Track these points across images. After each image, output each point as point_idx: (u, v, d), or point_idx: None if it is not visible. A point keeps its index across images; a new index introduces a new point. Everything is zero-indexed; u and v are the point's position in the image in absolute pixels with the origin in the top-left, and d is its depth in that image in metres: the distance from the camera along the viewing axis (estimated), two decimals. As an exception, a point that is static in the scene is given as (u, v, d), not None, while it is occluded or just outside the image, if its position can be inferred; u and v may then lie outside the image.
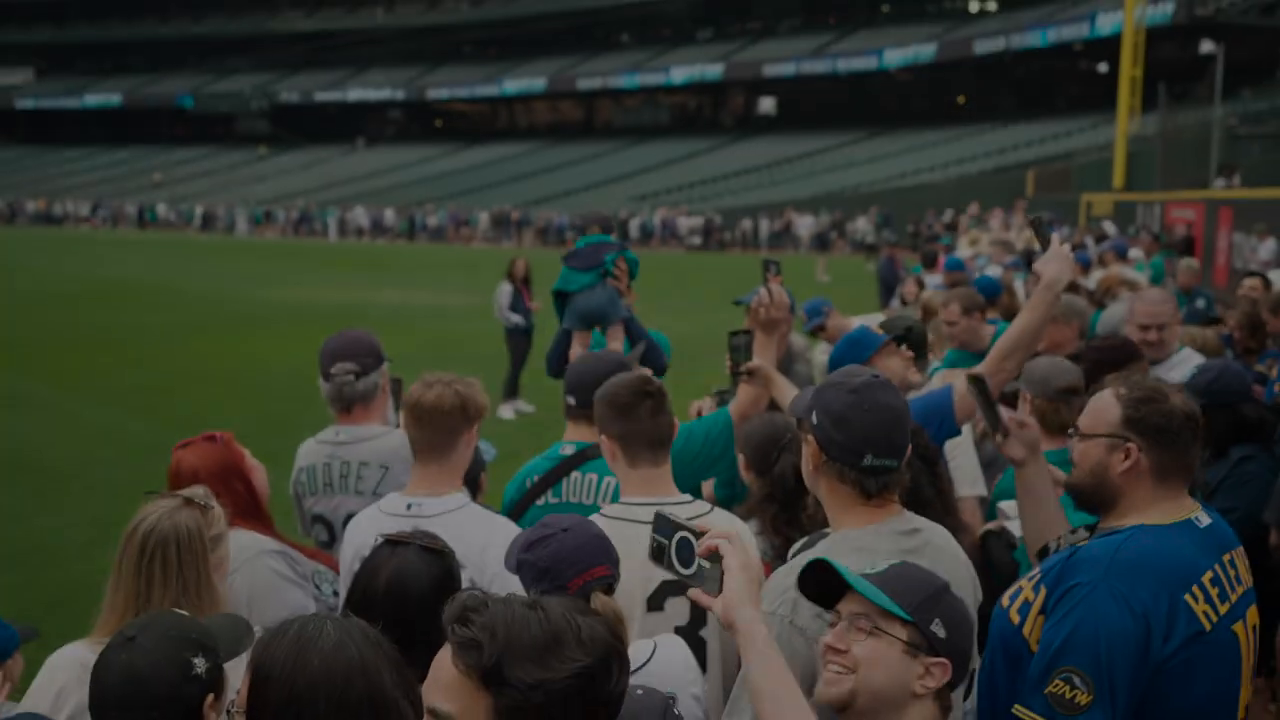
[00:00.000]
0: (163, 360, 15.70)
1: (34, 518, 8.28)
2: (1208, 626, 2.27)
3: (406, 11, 69.24)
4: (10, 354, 16.04)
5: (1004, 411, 3.03)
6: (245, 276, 29.81)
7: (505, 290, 12.45)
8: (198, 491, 2.73)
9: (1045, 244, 3.43)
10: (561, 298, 5.30)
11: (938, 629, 1.98)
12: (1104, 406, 2.48)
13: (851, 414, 2.37)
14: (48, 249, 39.93)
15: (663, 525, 1.77)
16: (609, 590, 2.40)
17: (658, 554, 1.76)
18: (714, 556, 1.83)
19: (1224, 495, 4.05)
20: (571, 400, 3.64)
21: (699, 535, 1.77)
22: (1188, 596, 2.27)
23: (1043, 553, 2.82)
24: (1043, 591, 2.34)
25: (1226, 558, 2.40)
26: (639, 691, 2.05)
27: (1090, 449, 2.48)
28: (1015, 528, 3.20)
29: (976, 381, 3.09)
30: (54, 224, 59.74)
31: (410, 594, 2.29)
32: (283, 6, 71.91)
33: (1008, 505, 3.41)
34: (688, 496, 3.01)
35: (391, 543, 2.42)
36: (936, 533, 2.53)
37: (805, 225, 43.26)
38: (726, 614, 1.82)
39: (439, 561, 2.39)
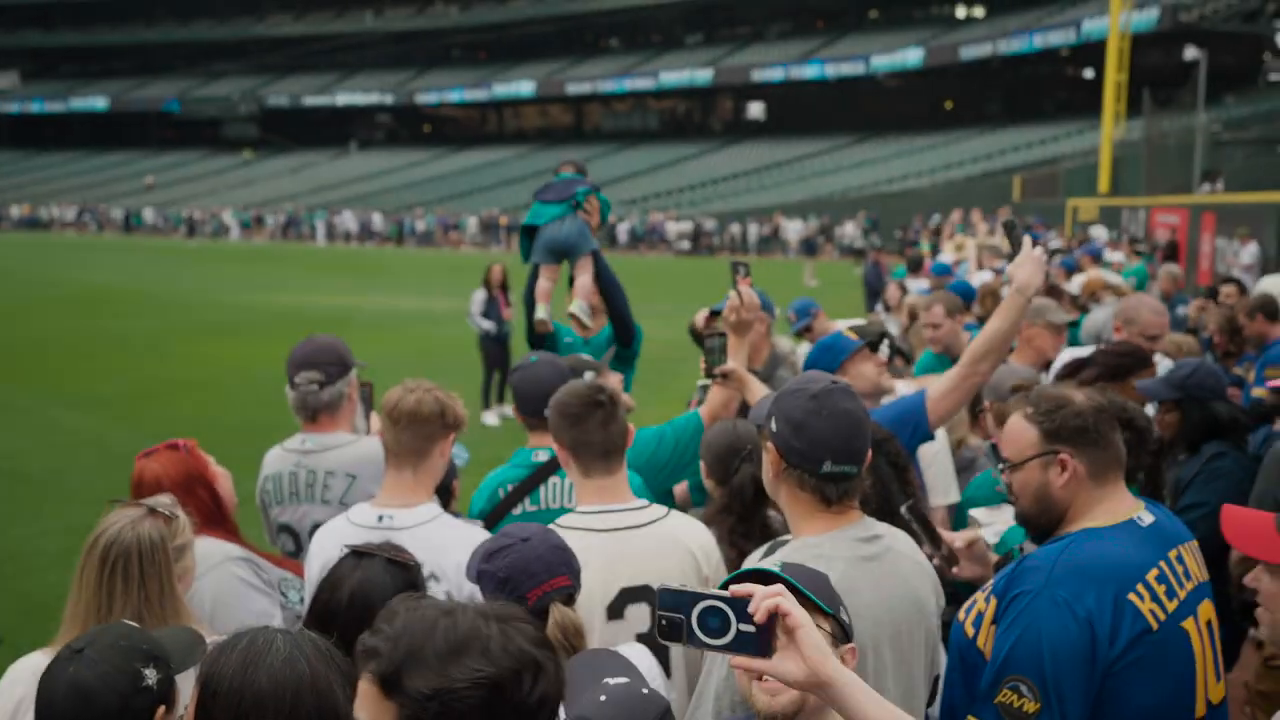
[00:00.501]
0: (145, 367, 15.63)
1: (9, 526, 8.21)
2: (1154, 625, 2.26)
3: (395, 15, 69.16)
4: (-8, 360, 15.97)
5: (946, 535, 3.04)
6: (231, 282, 29.70)
7: (478, 297, 12.38)
8: (163, 500, 2.70)
9: (1017, 248, 3.45)
10: (530, 233, 5.26)
11: (845, 615, 1.99)
12: (1020, 431, 2.47)
13: (810, 420, 2.37)
14: (31, 254, 39.75)
15: (672, 600, 1.54)
16: (569, 601, 2.39)
17: (672, 632, 1.54)
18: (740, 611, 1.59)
19: (1195, 490, 4.07)
20: (522, 413, 3.67)
21: (731, 600, 1.54)
22: (1132, 596, 2.26)
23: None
24: (993, 602, 2.34)
25: (1173, 554, 2.39)
26: (644, 691, 2.04)
27: (1026, 475, 2.47)
28: (988, 535, 3.19)
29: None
30: (39, 229, 59.48)
31: (374, 607, 2.24)
32: (271, 10, 71.77)
33: (979, 513, 3.40)
34: (643, 502, 2.99)
35: (356, 555, 2.40)
36: (898, 539, 2.53)
37: (793, 230, 43.33)
38: (817, 673, 1.55)
39: (404, 574, 2.37)
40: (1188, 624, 2.33)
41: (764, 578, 1.97)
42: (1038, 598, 2.24)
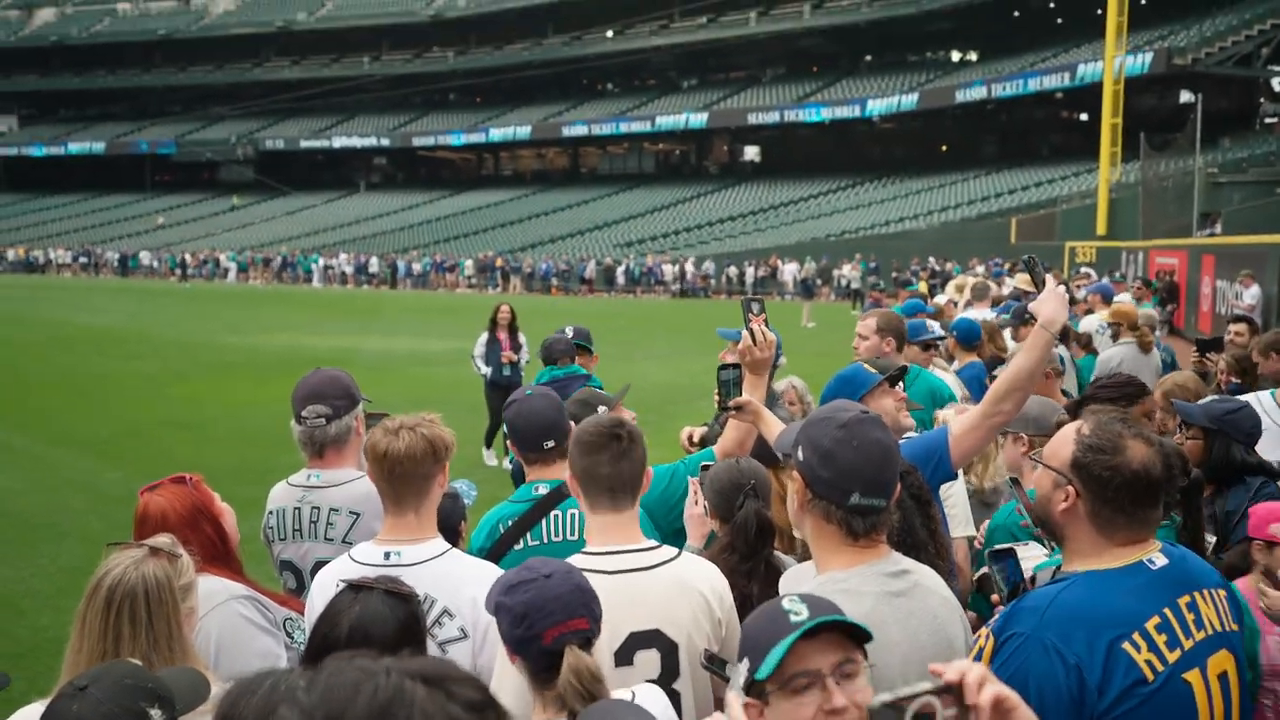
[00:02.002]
0: (140, 407, 15.51)
1: (1, 566, 8.06)
2: (1150, 676, 2.15)
3: (392, 60, 69.79)
4: (-15, 400, 15.85)
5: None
6: (226, 323, 29.66)
7: (481, 339, 11.84)
8: (164, 540, 2.62)
9: (1040, 284, 3.38)
10: None
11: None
12: (1063, 441, 2.38)
13: (839, 450, 2.29)
14: (27, 296, 39.73)
15: (885, 716, 1.38)
16: (586, 644, 2.28)
17: None
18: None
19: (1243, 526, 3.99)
20: (519, 448, 3.61)
21: (939, 692, 1.39)
22: (1127, 645, 2.15)
23: (979, 581, 2.74)
24: (991, 640, 2.25)
25: (1184, 600, 2.26)
26: None
27: (1041, 478, 2.40)
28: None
29: None
30: (35, 271, 59.54)
31: (374, 640, 2.18)
32: (269, 55, 72.41)
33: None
34: (653, 542, 2.88)
35: (354, 588, 2.33)
36: (926, 574, 2.46)
37: (790, 272, 43.47)
38: None
39: (404, 606, 2.30)
40: (1191, 676, 2.19)
41: (848, 628, 1.89)
42: (1029, 640, 2.16)
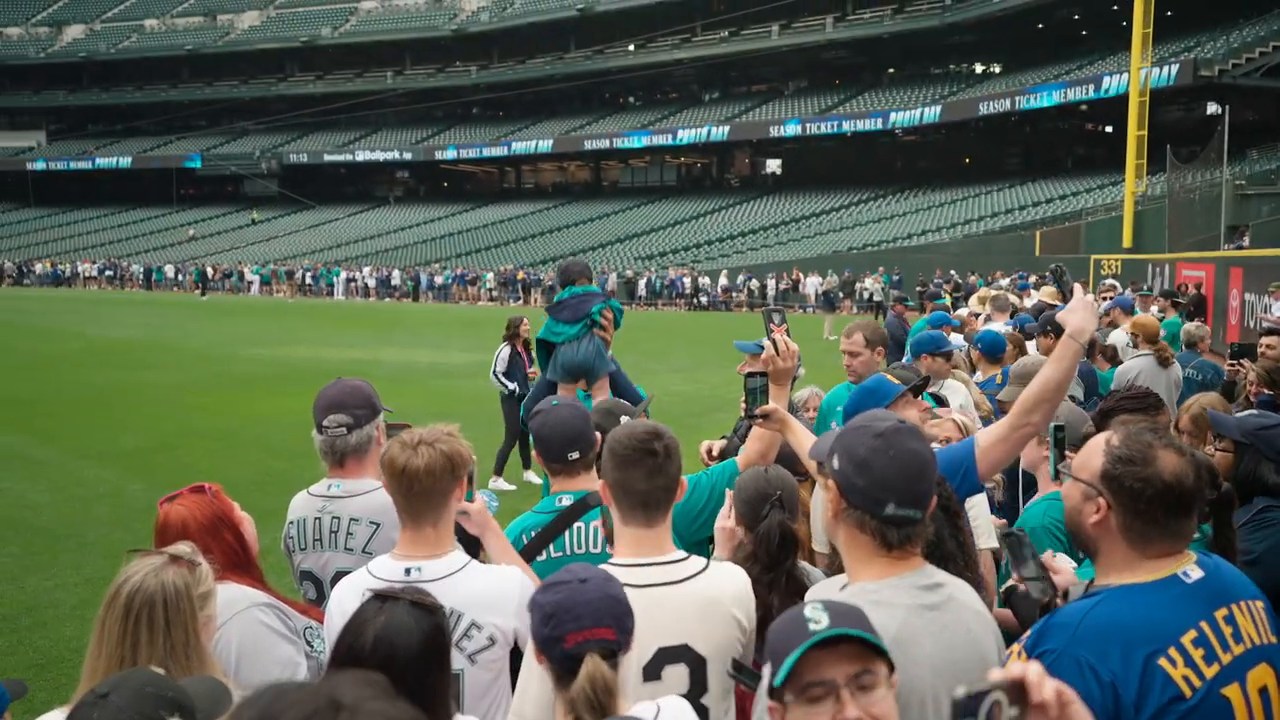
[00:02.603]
0: (163, 419, 15.59)
1: (25, 578, 8.09)
2: (1188, 692, 2.09)
3: (415, 74, 70.23)
4: (8, 412, 15.96)
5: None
6: (249, 336, 29.84)
7: (503, 354, 11.40)
8: (183, 549, 2.60)
9: (1068, 295, 3.33)
10: (546, 347, 5.22)
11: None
12: (1093, 452, 2.33)
13: (875, 459, 2.25)
14: (54, 309, 40.10)
15: (968, 705, 1.40)
16: (609, 655, 2.24)
17: None
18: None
19: (1241, 539, 3.92)
20: (544, 458, 3.59)
21: (1007, 688, 1.41)
22: (1163, 660, 2.09)
23: (1007, 593, 2.67)
24: (1024, 657, 2.20)
25: (1221, 613, 2.20)
26: None
27: (1071, 490, 2.35)
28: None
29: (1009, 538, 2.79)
30: (62, 284, 60.14)
31: (398, 651, 2.16)
32: (293, 70, 73.03)
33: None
34: (681, 554, 2.84)
35: (380, 598, 2.30)
36: (959, 588, 2.41)
37: (812, 285, 43.40)
38: None
39: (429, 618, 2.26)
40: (1230, 691, 2.13)
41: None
42: (1061, 657, 2.11)
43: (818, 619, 1.88)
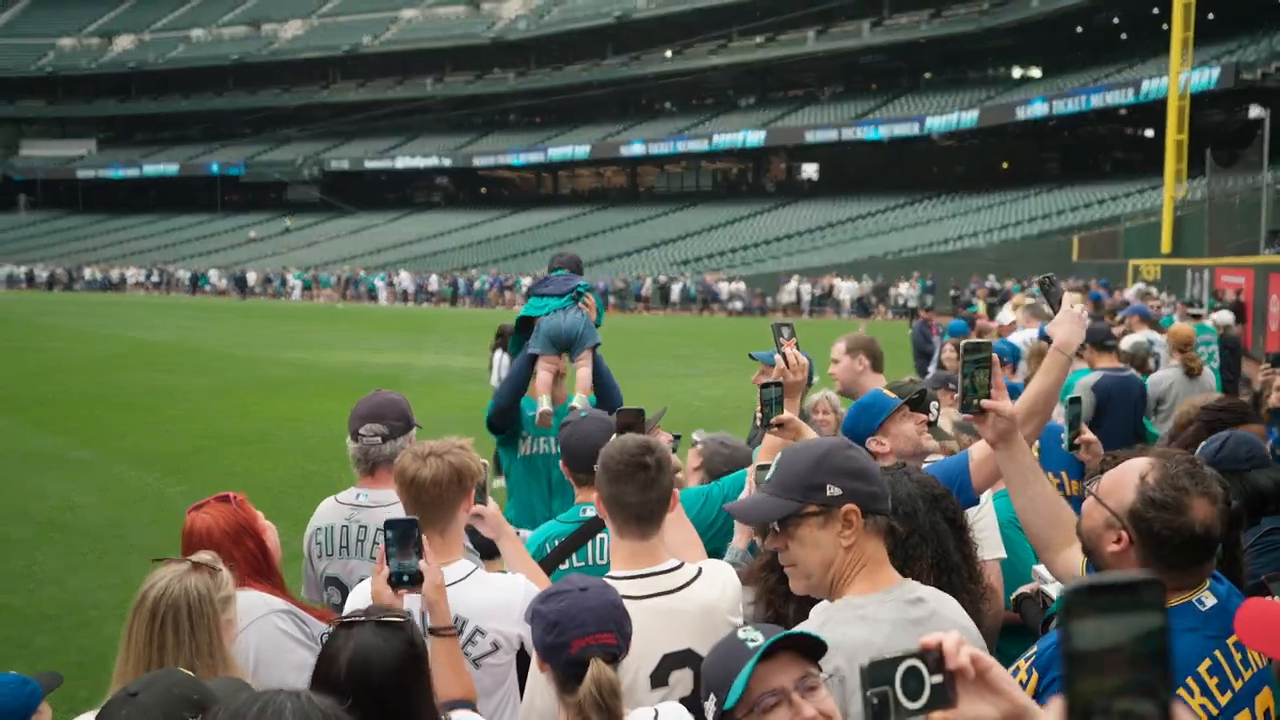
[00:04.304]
0: (204, 422, 15.85)
1: (67, 578, 8.32)
2: None
3: (454, 82, 70.71)
4: (52, 415, 16.27)
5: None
6: (289, 339, 30.17)
7: (504, 361, 11.45)
8: (205, 556, 2.73)
9: (1056, 306, 3.37)
10: (527, 325, 5.25)
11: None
12: (1124, 484, 2.26)
13: (874, 466, 2.43)
14: (101, 313, 40.73)
15: (878, 672, 1.40)
16: (612, 660, 2.36)
17: (882, 710, 1.38)
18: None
19: (1249, 562, 3.93)
20: (571, 469, 3.67)
21: (922, 655, 1.40)
22: (1180, 691, 2.10)
23: (1018, 601, 2.69)
24: (1035, 676, 2.21)
25: (1232, 640, 2.20)
26: None
27: (1094, 511, 2.33)
28: (1052, 590, 3.10)
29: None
30: (111, 290, 61.10)
31: (374, 671, 2.24)
32: (335, 79, 73.79)
33: (1042, 568, 3.31)
34: (675, 562, 2.94)
35: (346, 624, 2.38)
36: (945, 604, 2.47)
37: (847, 290, 43.22)
38: (1015, 703, 1.40)
39: (399, 634, 2.33)
40: (1242, 718, 2.16)
41: (804, 645, 1.99)
42: None
43: (753, 637, 1.99)
